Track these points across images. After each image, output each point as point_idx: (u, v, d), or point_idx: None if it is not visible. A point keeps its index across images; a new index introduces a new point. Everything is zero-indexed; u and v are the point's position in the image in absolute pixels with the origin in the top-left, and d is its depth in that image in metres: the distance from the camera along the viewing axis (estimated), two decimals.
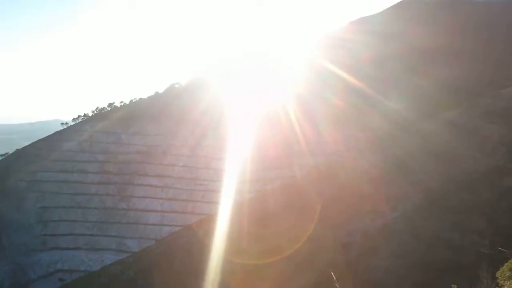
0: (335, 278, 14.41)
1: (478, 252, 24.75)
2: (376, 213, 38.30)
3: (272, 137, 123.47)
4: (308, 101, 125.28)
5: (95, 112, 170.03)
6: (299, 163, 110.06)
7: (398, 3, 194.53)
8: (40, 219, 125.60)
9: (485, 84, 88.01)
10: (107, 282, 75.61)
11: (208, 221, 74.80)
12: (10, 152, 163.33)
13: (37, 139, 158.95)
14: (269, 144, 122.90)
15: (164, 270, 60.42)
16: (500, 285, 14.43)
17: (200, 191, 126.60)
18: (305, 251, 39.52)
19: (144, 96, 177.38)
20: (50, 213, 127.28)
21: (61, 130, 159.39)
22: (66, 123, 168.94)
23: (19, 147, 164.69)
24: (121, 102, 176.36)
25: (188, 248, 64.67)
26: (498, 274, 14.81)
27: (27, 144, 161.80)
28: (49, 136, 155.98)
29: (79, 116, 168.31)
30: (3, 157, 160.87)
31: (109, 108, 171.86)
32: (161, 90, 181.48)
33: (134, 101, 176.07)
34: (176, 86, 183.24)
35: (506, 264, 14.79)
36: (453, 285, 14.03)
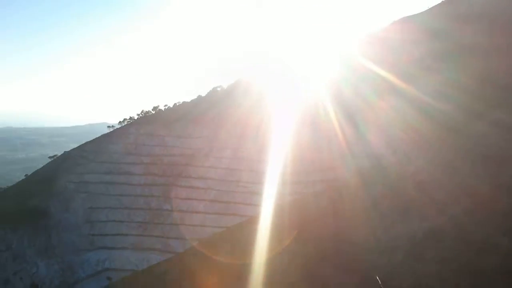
0: (380, 282, 14.24)
1: None
2: (422, 217, 37.25)
3: (313, 139, 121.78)
4: (350, 102, 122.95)
5: (140, 115, 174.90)
6: (341, 165, 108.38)
7: (443, 1, 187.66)
8: (88, 219, 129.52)
9: None
10: (152, 281, 77.18)
11: (250, 222, 75.07)
12: (59, 154, 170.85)
13: (84, 141, 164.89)
14: (310, 146, 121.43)
15: (207, 271, 61.24)
16: None
17: (241, 193, 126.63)
18: (349, 253, 39.07)
19: (188, 100, 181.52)
20: (97, 214, 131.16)
21: (107, 133, 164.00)
22: (113, 126, 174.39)
23: (67, 149, 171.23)
24: (165, 105, 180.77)
25: (230, 250, 65.29)
26: None
27: (75, 146, 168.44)
28: (95, 138, 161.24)
29: (125, 119, 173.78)
30: (52, 159, 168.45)
31: (153, 112, 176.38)
32: (203, 94, 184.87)
33: (177, 104, 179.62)
34: (218, 89, 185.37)
35: None
36: None
